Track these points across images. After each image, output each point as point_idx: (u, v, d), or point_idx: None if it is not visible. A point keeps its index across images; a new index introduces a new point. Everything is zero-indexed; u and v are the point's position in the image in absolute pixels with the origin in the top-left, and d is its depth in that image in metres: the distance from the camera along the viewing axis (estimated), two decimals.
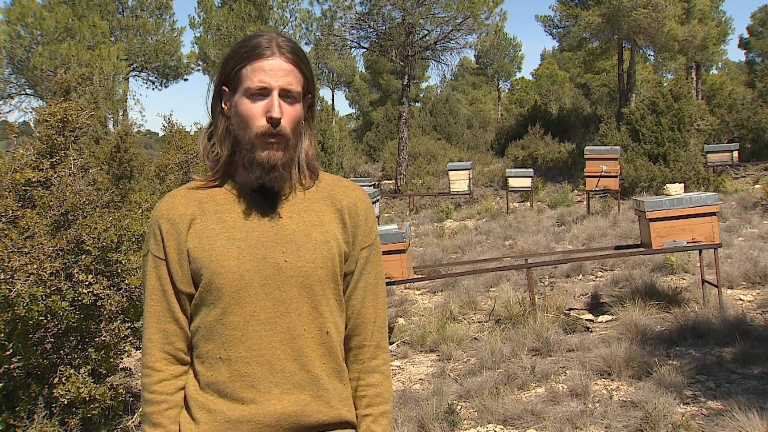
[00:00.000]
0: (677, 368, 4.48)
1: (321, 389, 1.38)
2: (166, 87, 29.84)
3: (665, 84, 19.69)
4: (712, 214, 5.84)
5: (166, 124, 10.23)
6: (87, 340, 4.06)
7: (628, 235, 9.50)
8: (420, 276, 6.47)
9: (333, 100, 58.64)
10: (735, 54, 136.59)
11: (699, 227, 5.82)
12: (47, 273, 3.63)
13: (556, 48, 38.76)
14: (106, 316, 3.89)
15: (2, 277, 3.52)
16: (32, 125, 9.17)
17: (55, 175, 4.11)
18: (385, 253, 5.37)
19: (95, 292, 3.78)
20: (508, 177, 15.05)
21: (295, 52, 1.38)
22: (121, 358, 4.18)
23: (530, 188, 14.94)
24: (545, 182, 18.11)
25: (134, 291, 3.98)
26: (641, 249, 6.27)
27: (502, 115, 39.80)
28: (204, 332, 1.38)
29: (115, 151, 11.43)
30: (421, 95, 41.86)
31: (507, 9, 57.09)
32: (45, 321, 3.72)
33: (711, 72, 36.86)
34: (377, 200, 10.80)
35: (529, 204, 15.27)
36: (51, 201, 3.98)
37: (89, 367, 4.01)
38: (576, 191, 16.32)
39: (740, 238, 9.01)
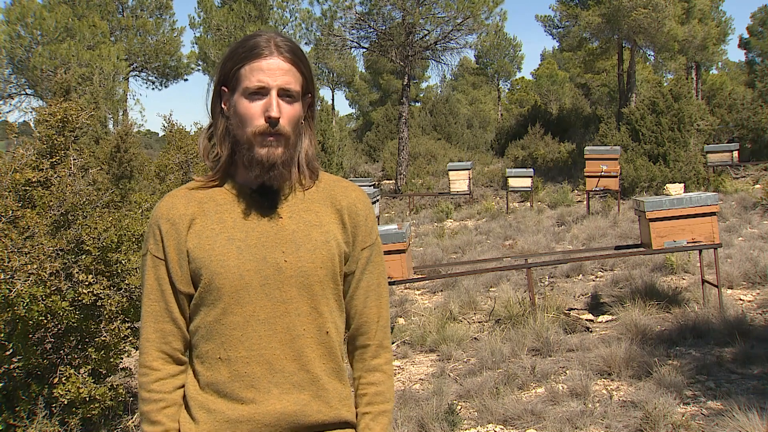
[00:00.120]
0: (677, 368, 4.48)
1: (320, 389, 1.38)
2: (166, 87, 29.88)
3: (665, 84, 19.68)
4: (712, 214, 5.84)
5: (166, 124, 10.23)
6: (87, 340, 4.06)
7: (628, 235, 9.50)
8: (420, 276, 6.47)
9: (333, 100, 58.70)
10: (735, 54, 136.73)
11: (699, 227, 5.82)
12: (47, 273, 3.63)
13: (556, 48, 38.79)
14: (106, 316, 3.89)
15: (2, 277, 3.52)
16: (32, 125, 9.18)
17: (55, 175, 4.11)
18: (385, 253, 5.34)
19: (95, 292, 3.78)
20: (508, 177, 15.05)
21: (293, 52, 1.38)
22: (121, 358, 4.18)
23: (530, 188, 14.94)
24: (545, 182, 18.11)
25: (134, 291, 3.98)
26: (641, 249, 6.27)
27: (502, 115, 39.80)
28: (204, 332, 1.38)
29: (115, 151, 11.43)
30: (421, 95, 41.86)
31: (507, 9, 57.14)
32: (45, 321, 3.72)
33: (711, 72, 36.87)
34: (377, 200, 10.79)
35: (529, 204, 15.27)
36: (51, 201, 3.98)
37: (89, 367, 4.01)
38: (576, 191, 16.32)
39: (740, 238, 9.01)
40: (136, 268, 3.98)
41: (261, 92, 1.35)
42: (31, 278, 3.56)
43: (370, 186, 13.03)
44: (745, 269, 6.97)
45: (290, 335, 1.36)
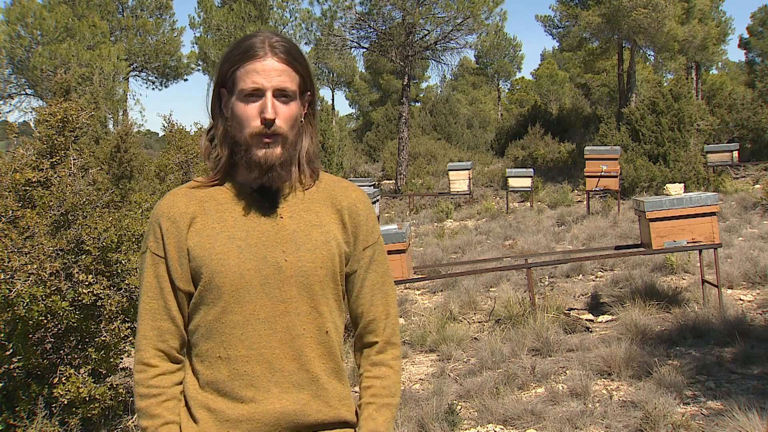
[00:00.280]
0: (677, 368, 4.48)
1: (320, 389, 1.39)
2: (166, 87, 29.86)
3: (665, 84, 19.69)
4: (712, 214, 5.85)
5: (166, 124, 10.23)
6: (87, 340, 4.06)
7: (628, 235, 9.50)
8: (420, 276, 6.47)
9: (333, 100, 58.69)
10: (735, 54, 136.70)
11: (699, 227, 5.82)
12: (47, 273, 3.63)
13: (556, 48, 38.79)
14: (106, 316, 3.89)
15: (2, 277, 3.52)
16: (32, 125, 9.17)
17: (55, 175, 4.11)
18: None
19: (95, 292, 3.78)
20: (508, 177, 15.05)
21: (288, 52, 1.38)
22: (121, 358, 4.18)
23: (530, 188, 14.94)
24: (545, 182, 18.11)
25: (134, 291, 3.98)
26: (641, 249, 6.27)
27: (502, 115, 39.80)
28: (204, 331, 1.38)
29: (115, 151, 11.42)
30: (421, 95, 41.86)
31: (507, 9, 57.08)
32: (45, 321, 3.72)
33: (711, 72, 36.87)
34: (377, 200, 10.78)
35: (529, 204, 15.27)
36: (51, 201, 3.98)
37: (89, 367, 4.01)
38: (576, 191, 16.32)
39: (740, 238, 9.01)
40: (136, 268, 3.98)
41: (256, 94, 1.36)
42: (31, 278, 3.56)
43: (370, 186, 13.02)
44: (745, 269, 6.97)
45: (290, 335, 1.36)
